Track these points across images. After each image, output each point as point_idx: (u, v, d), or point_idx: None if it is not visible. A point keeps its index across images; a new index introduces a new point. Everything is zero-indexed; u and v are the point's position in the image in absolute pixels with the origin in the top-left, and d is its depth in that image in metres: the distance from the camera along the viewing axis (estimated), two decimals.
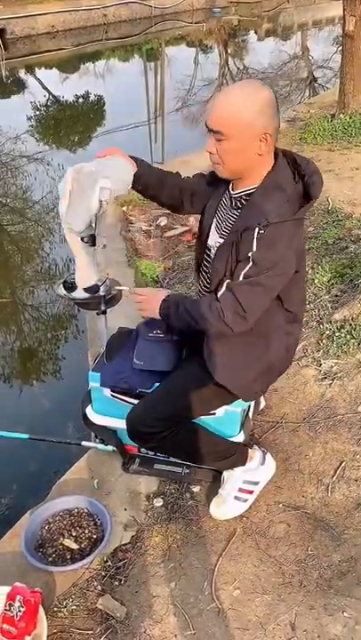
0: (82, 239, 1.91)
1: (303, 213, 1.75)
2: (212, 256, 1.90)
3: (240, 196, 1.83)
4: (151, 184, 1.99)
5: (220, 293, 1.78)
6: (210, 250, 1.95)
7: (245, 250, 1.70)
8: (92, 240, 1.93)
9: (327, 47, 13.24)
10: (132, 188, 1.97)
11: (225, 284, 1.77)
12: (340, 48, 6.36)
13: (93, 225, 1.87)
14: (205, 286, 1.99)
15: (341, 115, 6.17)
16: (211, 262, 1.91)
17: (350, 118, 6.09)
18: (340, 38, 6.34)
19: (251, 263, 1.70)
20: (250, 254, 1.69)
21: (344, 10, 5.88)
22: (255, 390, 2.07)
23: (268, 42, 15.87)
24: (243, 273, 1.72)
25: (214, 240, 1.92)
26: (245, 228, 1.71)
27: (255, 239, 1.68)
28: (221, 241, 1.86)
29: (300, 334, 2.10)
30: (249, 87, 1.71)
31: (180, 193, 2.04)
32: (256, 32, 16.99)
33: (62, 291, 2.30)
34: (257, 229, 1.67)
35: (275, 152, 1.79)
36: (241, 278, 1.72)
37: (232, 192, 1.86)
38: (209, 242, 1.96)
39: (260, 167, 1.76)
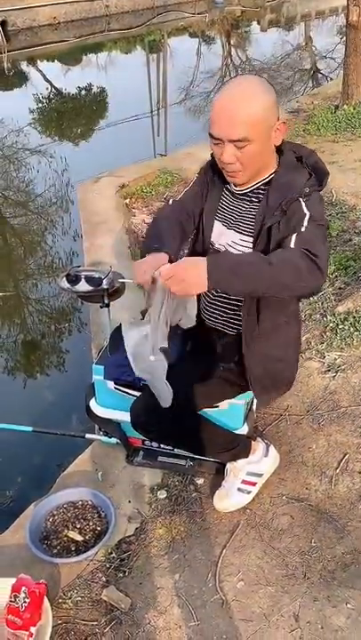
0: None
1: (325, 184, 1.78)
2: (235, 251, 1.86)
3: (253, 189, 1.82)
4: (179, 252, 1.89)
5: (293, 243, 1.60)
6: (217, 250, 1.93)
7: (298, 213, 1.66)
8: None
9: (331, 38, 13.13)
10: None
11: (294, 236, 1.61)
12: (344, 38, 6.31)
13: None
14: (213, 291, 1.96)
15: (345, 106, 6.14)
16: None
17: (354, 109, 6.05)
18: (344, 29, 6.29)
19: (308, 216, 1.64)
20: (305, 211, 1.65)
21: (348, 0, 5.83)
22: (292, 379, 2.11)
23: (271, 33, 15.75)
24: (303, 226, 1.63)
25: (229, 239, 1.89)
26: (287, 200, 1.68)
27: (304, 206, 1.67)
28: (245, 237, 1.83)
29: (300, 312, 2.15)
30: (250, 84, 1.70)
31: (186, 228, 1.97)
32: (259, 23, 16.87)
33: (65, 284, 2.31)
34: (301, 198, 1.68)
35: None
36: (304, 228, 1.63)
37: (237, 189, 1.85)
38: (218, 242, 1.93)
39: (273, 156, 1.80)
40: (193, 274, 1.52)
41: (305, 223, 1.64)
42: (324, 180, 1.77)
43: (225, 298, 1.95)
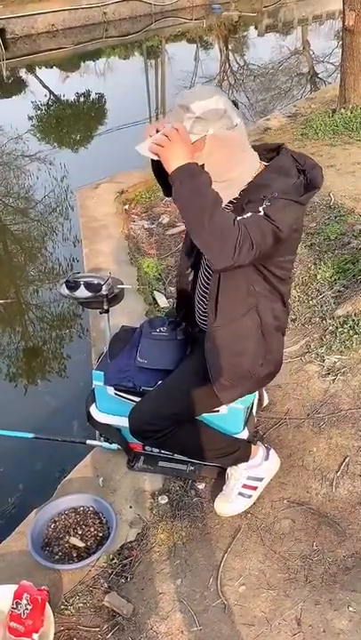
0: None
1: (308, 199, 1.73)
2: None
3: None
4: None
5: (234, 222, 1.62)
6: None
7: (252, 208, 1.65)
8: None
9: (328, 42, 13.17)
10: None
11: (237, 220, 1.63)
12: (341, 43, 6.34)
13: None
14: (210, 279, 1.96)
15: (342, 109, 6.15)
16: None
17: (351, 113, 6.07)
18: (341, 33, 6.32)
19: (261, 213, 1.63)
20: (260, 208, 1.63)
21: (344, 4, 5.86)
22: (259, 369, 2.02)
23: (268, 37, 15.82)
24: (251, 213, 1.63)
25: None
26: (248, 201, 1.67)
27: (263, 206, 1.64)
28: None
29: (288, 311, 2.06)
30: None
31: None
32: (256, 27, 16.95)
33: (65, 290, 2.32)
34: (264, 201, 1.64)
35: (273, 147, 1.80)
36: (247, 215, 1.63)
37: None
38: None
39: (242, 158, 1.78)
40: (170, 155, 1.63)
41: (252, 213, 1.63)
42: (309, 193, 1.71)
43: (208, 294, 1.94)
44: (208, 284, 1.97)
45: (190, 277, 2.08)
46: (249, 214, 1.63)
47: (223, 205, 1.72)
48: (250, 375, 1.98)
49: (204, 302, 2.01)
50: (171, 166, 1.63)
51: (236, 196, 1.78)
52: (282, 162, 1.77)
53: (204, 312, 2.00)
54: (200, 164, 1.67)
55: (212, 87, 1.71)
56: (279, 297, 1.93)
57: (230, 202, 1.80)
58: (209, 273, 1.94)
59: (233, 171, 1.74)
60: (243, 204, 1.70)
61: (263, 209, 1.63)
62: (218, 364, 1.92)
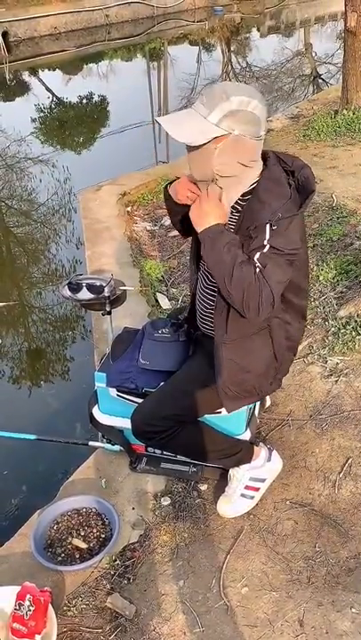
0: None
1: (306, 207, 1.74)
2: None
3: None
4: None
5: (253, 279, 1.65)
6: None
7: (258, 241, 1.66)
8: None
9: (330, 43, 13.18)
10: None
11: (255, 258, 1.66)
12: (343, 44, 6.34)
13: None
14: (208, 283, 1.97)
15: (345, 111, 6.15)
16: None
17: (353, 114, 6.07)
18: (343, 34, 6.33)
19: (268, 247, 1.65)
20: (265, 242, 1.65)
21: (346, 5, 5.86)
22: (267, 387, 2.06)
23: (270, 39, 15.83)
24: (260, 253, 1.65)
25: None
26: (256, 226, 1.68)
27: (267, 232, 1.65)
28: None
29: (303, 326, 2.07)
30: None
31: None
32: (259, 29, 16.95)
33: (67, 292, 2.33)
34: (268, 225, 1.65)
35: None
36: (257, 257, 1.66)
37: None
38: None
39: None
40: (203, 221, 1.73)
41: (264, 251, 1.65)
42: (306, 201, 1.73)
43: (214, 305, 1.94)
44: (207, 289, 1.97)
45: (195, 282, 2.09)
46: (264, 251, 1.65)
47: (228, 210, 1.77)
48: (256, 392, 2.01)
49: (203, 307, 2.01)
50: (198, 224, 1.74)
51: (237, 200, 1.79)
52: (273, 172, 1.76)
53: (204, 316, 2.01)
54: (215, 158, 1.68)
55: (257, 91, 1.72)
56: (295, 312, 1.93)
57: (233, 219, 1.81)
58: (209, 280, 1.95)
59: (237, 174, 1.74)
60: (250, 230, 1.69)
61: (269, 242, 1.65)
62: (225, 376, 1.92)
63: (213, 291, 1.91)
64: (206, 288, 1.98)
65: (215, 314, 1.88)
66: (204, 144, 1.66)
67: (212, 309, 1.95)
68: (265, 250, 1.65)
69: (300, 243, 1.74)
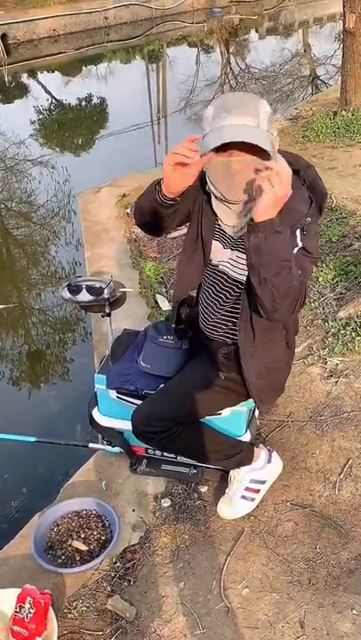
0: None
1: (324, 211, 1.80)
2: (233, 268, 1.86)
3: None
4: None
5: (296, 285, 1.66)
6: (216, 265, 1.90)
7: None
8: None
9: (329, 44, 13.19)
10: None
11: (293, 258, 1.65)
12: (342, 45, 6.35)
13: None
14: (218, 305, 1.94)
15: (343, 112, 6.16)
16: (224, 273, 1.88)
17: (352, 115, 6.07)
18: (341, 35, 6.33)
19: (300, 248, 1.68)
20: (297, 242, 1.68)
21: (344, 7, 5.87)
22: (288, 375, 2.13)
23: (269, 40, 15.83)
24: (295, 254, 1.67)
25: (226, 257, 1.86)
26: (290, 231, 1.65)
27: (298, 236, 1.68)
28: (242, 255, 1.77)
29: (301, 319, 2.13)
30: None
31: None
32: (257, 30, 16.96)
33: (67, 294, 2.33)
34: (300, 230, 1.67)
35: None
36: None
37: None
38: (216, 258, 1.89)
39: None
40: (273, 210, 1.54)
41: (294, 251, 1.67)
42: (323, 205, 1.75)
43: (223, 311, 1.94)
44: (217, 296, 1.94)
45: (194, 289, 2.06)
46: (296, 252, 1.67)
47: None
48: (283, 383, 2.10)
49: (209, 313, 1.98)
50: (264, 214, 1.53)
51: None
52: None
53: (211, 323, 1.99)
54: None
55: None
56: None
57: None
58: (221, 289, 1.92)
59: None
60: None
61: (301, 241, 1.68)
62: (260, 385, 1.97)
63: (223, 296, 1.91)
64: (216, 294, 1.94)
65: (240, 322, 1.87)
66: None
67: (223, 317, 1.95)
68: (298, 250, 1.68)
69: (318, 243, 1.80)
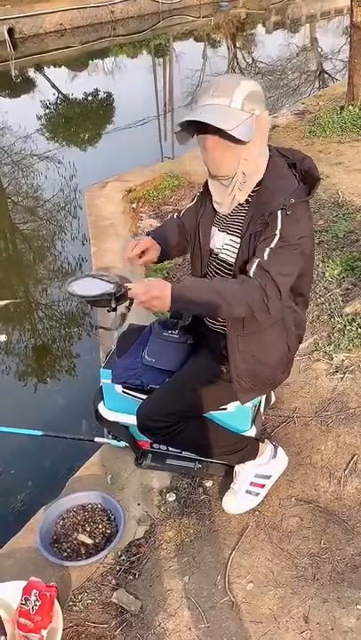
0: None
1: (314, 193, 1.79)
2: (228, 253, 1.90)
3: None
4: (174, 253, 2.16)
5: (252, 272, 1.72)
6: (216, 254, 1.96)
7: (271, 230, 1.72)
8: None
9: (336, 38, 13.12)
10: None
11: (255, 263, 1.72)
12: (349, 39, 6.31)
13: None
14: None
15: (350, 106, 6.13)
16: (224, 261, 1.93)
17: (359, 110, 6.05)
18: (349, 29, 6.29)
19: (278, 237, 1.70)
20: (276, 231, 1.71)
21: (352, 0, 5.83)
22: (280, 377, 2.10)
23: (276, 34, 15.78)
24: (269, 248, 1.71)
25: (222, 241, 1.93)
26: (271, 212, 1.71)
27: (280, 219, 1.70)
28: (235, 238, 1.86)
29: (307, 314, 2.11)
30: None
31: (184, 237, 2.12)
32: (264, 25, 16.90)
33: (73, 289, 2.32)
34: (280, 211, 1.70)
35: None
36: (266, 254, 1.71)
37: None
38: (215, 246, 1.96)
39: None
40: (157, 303, 1.73)
41: (272, 244, 1.71)
42: (314, 189, 1.78)
43: None
44: None
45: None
46: (272, 245, 1.71)
47: (242, 200, 1.81)
48: (270, 382, 2.06)
49: None
50: (164, 308, 1.75)
51: (253, 187, 1.81)
52: (277, 164, 1.81)
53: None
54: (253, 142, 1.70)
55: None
56: (302, 302, 1.98)
57: (242, 213, 1.84)
58: (222, 276, 1.95)
59: (263, 156, 1.79)
60: (265, 217, 1.73)
61: (280, 231, 1.70)
62: (240, 369, 1.95)
63: None
64: None
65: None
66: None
67: None
68: (274, 241, 1.70)
69: (309, 232, 1.79)
